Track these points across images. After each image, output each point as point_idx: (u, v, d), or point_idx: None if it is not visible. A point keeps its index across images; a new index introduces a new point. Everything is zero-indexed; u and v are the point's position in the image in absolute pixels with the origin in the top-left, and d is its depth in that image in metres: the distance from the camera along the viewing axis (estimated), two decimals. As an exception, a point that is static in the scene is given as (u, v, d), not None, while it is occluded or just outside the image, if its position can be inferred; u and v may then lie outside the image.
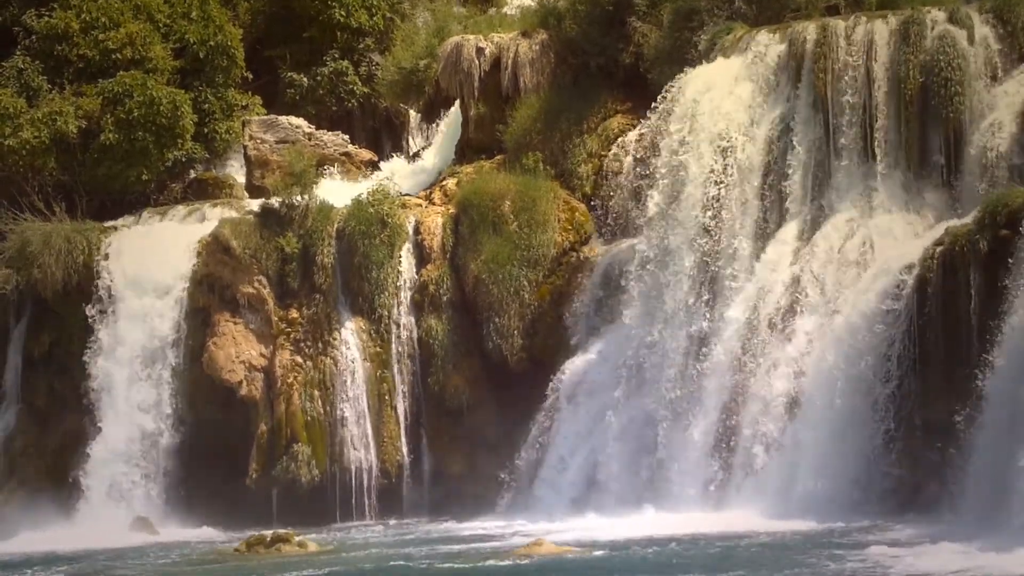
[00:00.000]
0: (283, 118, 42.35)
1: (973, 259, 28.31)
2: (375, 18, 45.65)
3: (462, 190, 37.23)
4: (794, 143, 32.57)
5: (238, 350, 36.71)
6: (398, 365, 36.51)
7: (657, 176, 33.56)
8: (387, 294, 36.54)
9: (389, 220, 36.66)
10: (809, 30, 32.90)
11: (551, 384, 34.41)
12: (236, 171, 43.70)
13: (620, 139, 36.80)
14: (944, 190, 31.62)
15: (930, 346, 29.07)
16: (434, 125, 44.41)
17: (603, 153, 36.96)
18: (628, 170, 36.04)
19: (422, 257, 36.98)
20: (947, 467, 27.48)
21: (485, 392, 36.20)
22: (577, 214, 36.53)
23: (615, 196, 36.28)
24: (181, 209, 40.62)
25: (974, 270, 28.28)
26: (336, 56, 45.31)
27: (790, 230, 32.42)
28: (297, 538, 30.65)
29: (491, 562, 26.79)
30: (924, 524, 26.98)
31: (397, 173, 40.68)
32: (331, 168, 41.18)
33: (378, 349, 36.43)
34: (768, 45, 33.42)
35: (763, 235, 32.61)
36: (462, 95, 39.72)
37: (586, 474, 33.20)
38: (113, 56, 41.87)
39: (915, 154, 31.77)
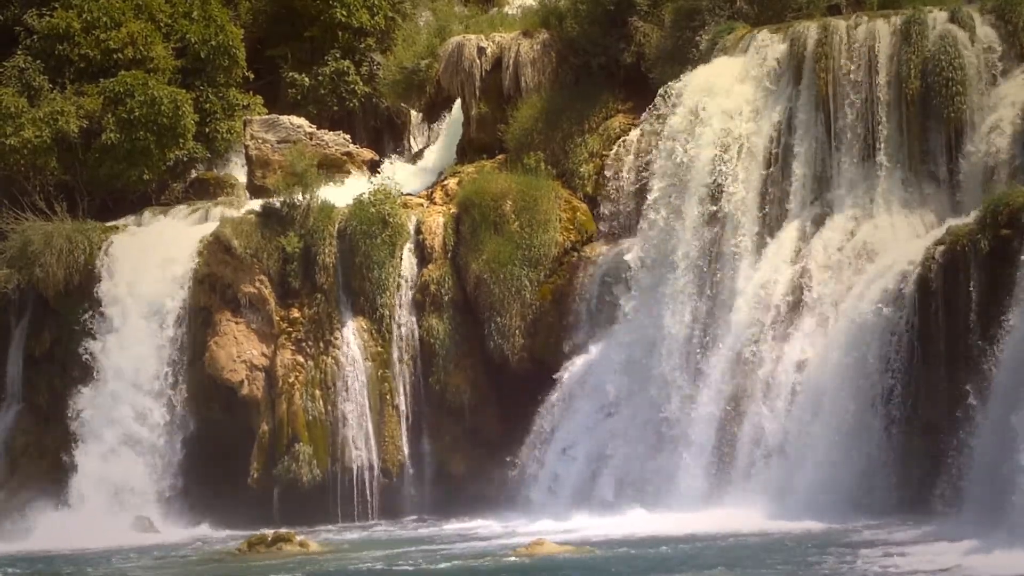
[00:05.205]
0: (284, 118, 42.31)
1: (974, 258, 28.30)
2: (376, 18, 45.63)
3: (463, 190, 37.21)
4: (795, 143, 32.58)
5: (239, 349, 36.71)
6: (399, 365, 36.50)
7: (658, 176, 33.57)
8: (388, 294, 36.54)
9: (390, 220, 36.66)
10: (811, 30, 32.90)
11: (552, 384, 34.41)
12: (237, 171, 43.67)
13: (622, 139, 36.75)
14: (945, 189, 31.63)
15: (931, 345, 29.05)
16: (435, 125, 44.41)
17: (604, 153, 36.93)
18: (629, 170, 36.02)
19: (423, 257, 36.97)
20: (947, 466, 27.47)
21: (486, 392, 36.21)
22: (578, 214, 36.52)
23: (616, 196, 36.24)
24: (182, 209, 40.64)
25: (975, 269, 28.26)
26: (337, 56, 45.30)
27: (791, 229, 32.43)
28: (298, 538, 30.65)
29: (491, 562, 26.79)
30: (924, 523, 26.97)
31: (398, 173, 40.67)
32: (337, 176, 41.19)
33: (379, 349, 36.42)
34: (769, 45, 33.43)
35: (764, 234, 32.62)
36: (463, 95, 39.72)
37: (587, 473, 33.21)
38: (114, 56, 41.87)
39: (916, 154, 31.78)
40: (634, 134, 36.28)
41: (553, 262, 36.06)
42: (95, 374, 37.43)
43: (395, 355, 36.48)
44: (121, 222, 39.98)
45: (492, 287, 35.78)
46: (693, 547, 26.87)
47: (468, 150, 39.70)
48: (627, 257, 34.00)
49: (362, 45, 45.83)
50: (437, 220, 37.09)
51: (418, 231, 37.13)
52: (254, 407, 36.73)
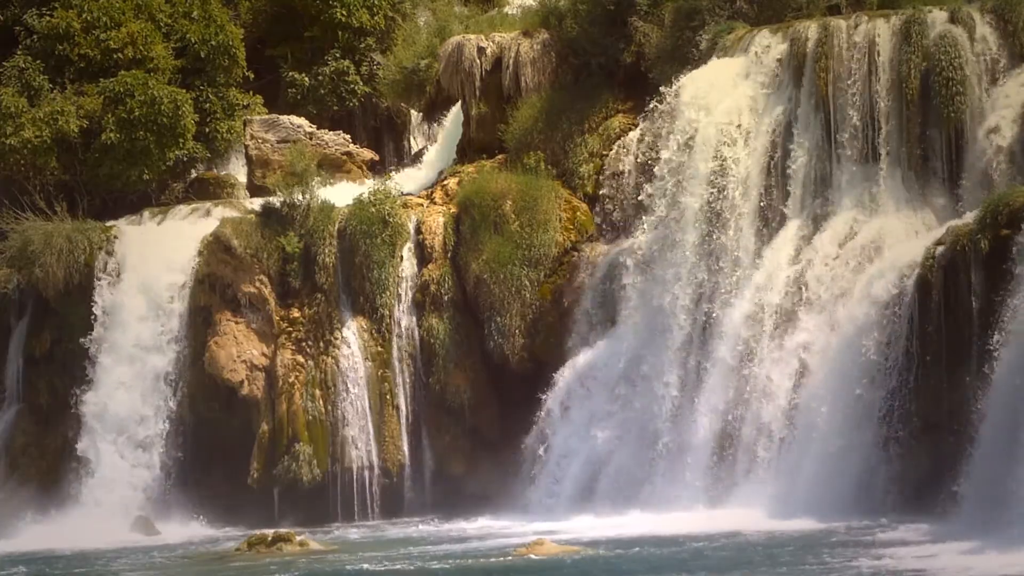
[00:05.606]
0: (284, 117, 42.34)
1: (974, 258, 28.31)
2: (376, 17, 45.61)
3: (463, 189, 37.21)
4: (795, 143, 32.59)
5: (239, 349, 36.70)
6: (399, 364, 36.49)
7: (658, 175, 33.59)
8: (388, 293, 36.53)
9: (390, 219, 36.66)
10: (810, 30, 32.91)
11: (552, 383, 34.41)
12: (237, 171, 43.69)
13: (621, 139, 36.73)
14: (945, 189, 31.65)
15: (931, 345, 29.05)
16: (435, 125, 44.41)
17: (604, 152, 36.91)
18: (629, 169, 36.00)
19: (423, 256, 36.97)
20: (948, 467, 27.46)
21: (486, 391, 36.20)
22: (578, 213, 36.52)
23: (616, 195, 36.24)
24: (182, 208, 40.59)
25: (975, 269, 28.27)
26: (337, 55, 45.29)
27: (791, 229, 32.43)
28: (298, 537, 30.66)
29: (491, 561, 26.81)
30: (925, 523, 26.98)
31: (398, 173, 40.75)
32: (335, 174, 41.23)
33: (379, 348, 36.42)
34: (769, 45, 33.45)
35: (764, 234, 32.63)
36: (463, 95, 39.69)
37: (587, 473, 33.20)
38: (114, 55, 41.85)
39: (916, 154, 31.79)
40: (634, 134, 36.26)
41: (553, 262, 36.06)
42: (95, 373, 37.51)
43: (395, 355, 36.48)
44: (121, 222, 39.83)
45: (492, 287, 35.78)
46: (692, 547, 26.86)
47: (468, 150, 39.68)
48: (628, 257, 34.00)
49: (362, 45, 45.81)
50: (437, 220, 37.08)
51: (418, 231, 37.13)
52: (254, 407, 36.73)
